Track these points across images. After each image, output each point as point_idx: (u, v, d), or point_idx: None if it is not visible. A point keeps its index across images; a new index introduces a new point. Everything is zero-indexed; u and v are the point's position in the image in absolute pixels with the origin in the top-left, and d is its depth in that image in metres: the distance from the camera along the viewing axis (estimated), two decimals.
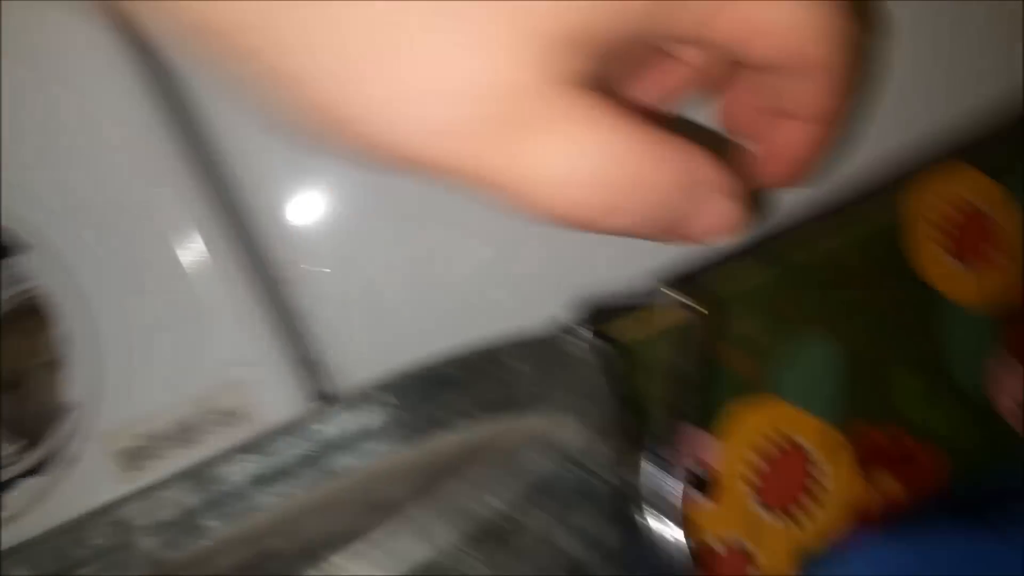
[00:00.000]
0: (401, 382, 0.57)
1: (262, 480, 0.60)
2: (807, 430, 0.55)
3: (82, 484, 0.61)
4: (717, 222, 0.31)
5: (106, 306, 0.60)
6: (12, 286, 0.67)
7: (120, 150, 0.58)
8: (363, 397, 0.58)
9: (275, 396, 0.62)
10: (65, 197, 0.59)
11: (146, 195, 0.59)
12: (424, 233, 0.61)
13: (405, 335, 0.63)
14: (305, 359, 0.63)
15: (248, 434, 0.62)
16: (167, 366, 0.61)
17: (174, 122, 0.59)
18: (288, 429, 0.60)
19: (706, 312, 0.47)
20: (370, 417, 0.58)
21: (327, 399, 0.64)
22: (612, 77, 0.35)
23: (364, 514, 0.50)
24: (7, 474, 0.65)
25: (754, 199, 0.54)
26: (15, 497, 0.62)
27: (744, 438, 0.54)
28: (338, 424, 0.59)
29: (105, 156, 0.58)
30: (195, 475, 0.59)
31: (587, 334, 0.49)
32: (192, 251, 0.59)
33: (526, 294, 0.60)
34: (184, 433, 0.62)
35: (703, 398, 0.54)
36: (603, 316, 0.52)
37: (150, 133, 0.58)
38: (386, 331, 0.62)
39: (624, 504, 0.41)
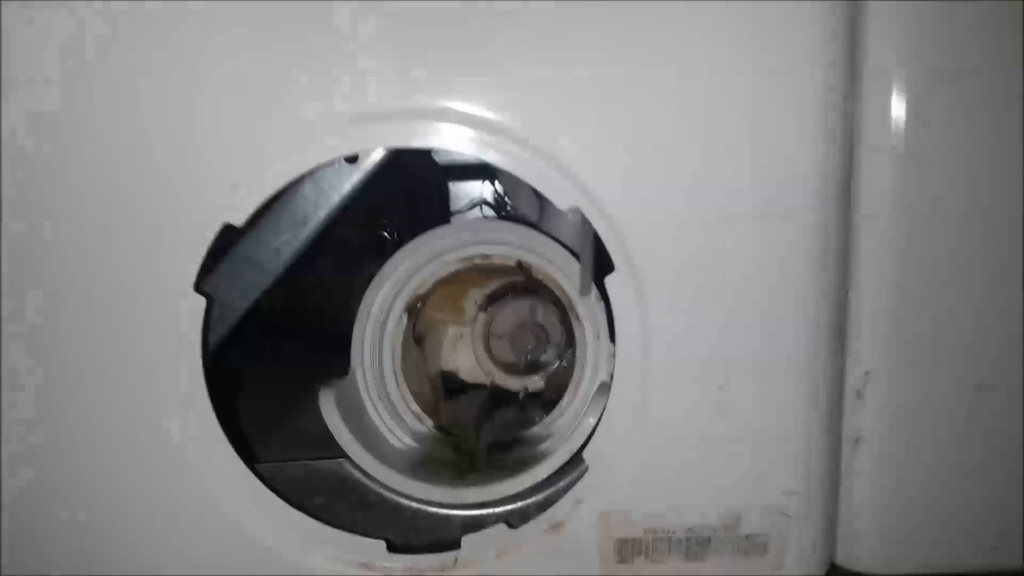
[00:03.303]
0: None
1: None
2: None
3: (556, 558, 0.58)
4: None
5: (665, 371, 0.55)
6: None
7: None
8: None
9: (801, 543, 0.58)
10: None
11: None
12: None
13: (946, 539, 0.60)
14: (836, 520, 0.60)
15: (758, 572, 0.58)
16: (708, 455, 0.56)
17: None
18: None
19: None
20: None
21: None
22: None
23: None
24: (466, 498, 0.62)
25: None
26: (477, 542, 0.58)
27: None
28: None
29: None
30: None
31: None
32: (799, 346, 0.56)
33: None
34: (690, 543, 0.57)
35: None
36: None
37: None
38: (930, 528, 0.60)
39: None
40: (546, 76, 0.51)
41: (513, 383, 0.87)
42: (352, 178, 0.62)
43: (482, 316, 0.87)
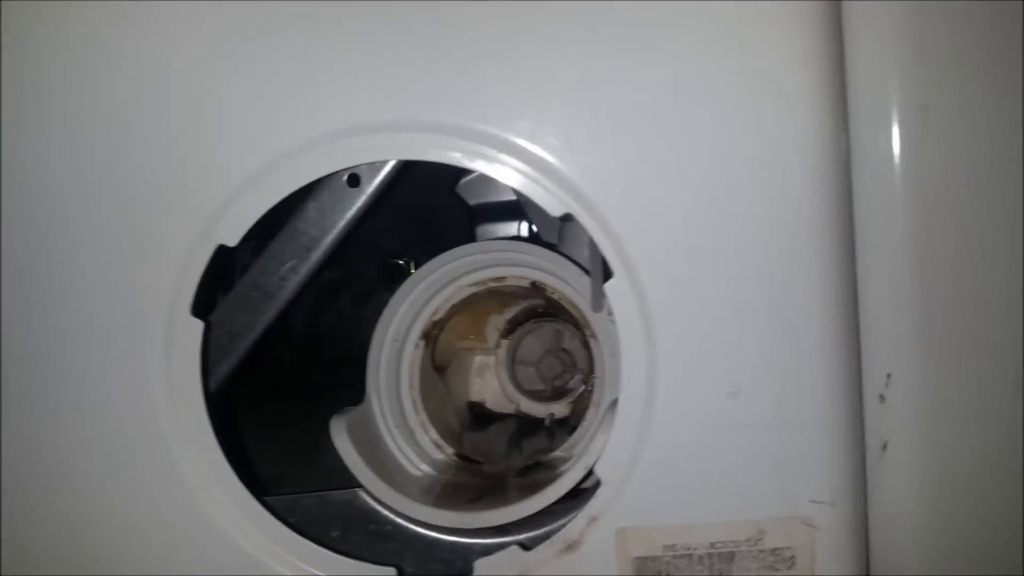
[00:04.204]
0: None
1: None
2: None
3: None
4: None
5: (672, 379, 0.53)
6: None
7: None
8: None
9: (831, 556, 0.54)
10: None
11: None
12: None
13: (989, 545, 0.56)
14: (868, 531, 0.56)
15: None
16: (724, 466, 0.54)
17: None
18: None
19: None
20: None
21: None
22: None
23: None
24: (480, 522, 0.59)
25: None
26: (490, 566, 0.56)
27: None
28: None
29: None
30: None
31: None
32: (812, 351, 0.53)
33: None
34: (712, 560, 0.55)
35: None
36: None
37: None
38: (970, 535, 0.56)
39: None
40: (527, 79, 0.51)
41: (539, 410, 0.85)
42: (356, 202, 0.63)
43: (505, 343, 0.85)
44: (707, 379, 0.52)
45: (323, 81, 0.51)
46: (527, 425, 0.85)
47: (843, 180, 0.53)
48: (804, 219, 0.52)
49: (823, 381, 0.53)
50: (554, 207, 0.51)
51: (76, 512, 0.56)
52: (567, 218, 0.52)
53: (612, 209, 0.51)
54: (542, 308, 0.84)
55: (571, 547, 0.54)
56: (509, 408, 0.86)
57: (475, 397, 0.88)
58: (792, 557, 0.53)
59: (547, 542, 0.55)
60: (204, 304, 0.56)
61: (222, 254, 0.53)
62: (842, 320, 0.53)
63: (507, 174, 0.51)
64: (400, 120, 0.51)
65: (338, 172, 0.60)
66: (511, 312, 0.84)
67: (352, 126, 0.51)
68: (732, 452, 0.53)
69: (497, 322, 0.84)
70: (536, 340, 0.87)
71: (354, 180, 0.61)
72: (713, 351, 0.52)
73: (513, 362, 0.86)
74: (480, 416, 0.87)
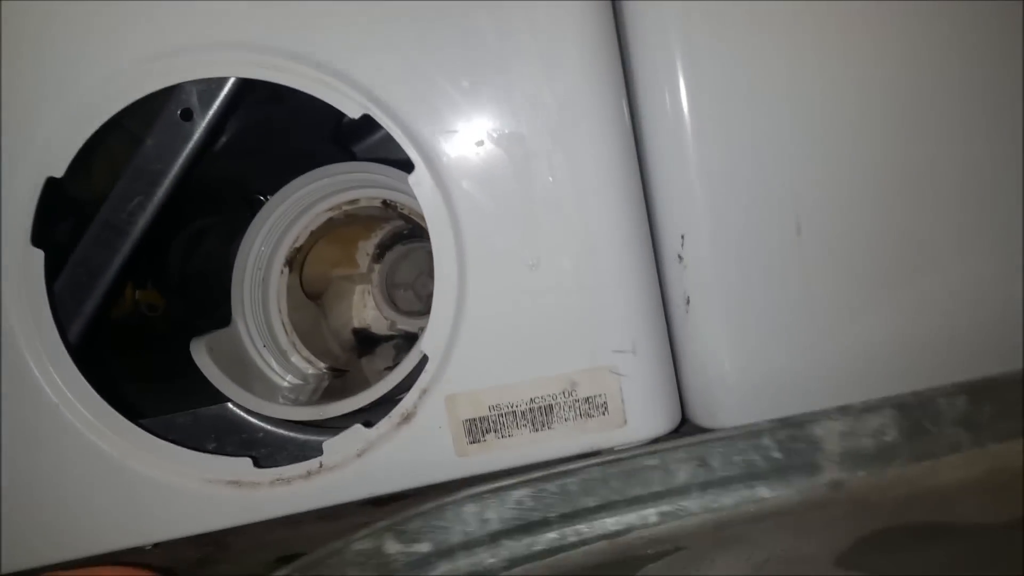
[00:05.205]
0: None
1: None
2: None
3: (412, 447, 0.60)
4: None
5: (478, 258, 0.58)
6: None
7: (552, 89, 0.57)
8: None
9: (641, 400, 0.60)
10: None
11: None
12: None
13: (793, 385, 0.62)
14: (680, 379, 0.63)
15: (602, 437, 0.60)
16: (534, 330, 0.59)
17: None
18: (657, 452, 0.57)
19: None
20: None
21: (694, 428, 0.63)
22: None
23: None
24: (332, 411, 0.64)
25: None
26: (337, 445, 0.61)
27: None
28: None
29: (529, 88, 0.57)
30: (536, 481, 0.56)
31: None
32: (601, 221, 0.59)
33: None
34: (534, 413, 0.60)
35: None
36: None
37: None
38: (775, 375, 0.62)
39: None
40: None
41: (414, 325, 0.90)
42: (192, 136, 0.67)
43: (377, 267, 0.90)
44: (509, 254, 0.58)
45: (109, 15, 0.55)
46: (407, 341, 0.91)
47: (617, 46, 0.59)
48: (584, 96, 0.57)
49: (617, 246, 0.59)
50: (351, 108, 0.56)
51: None
52: (366, 119, 0.57)
53: (404, 105, 0.57)
54: (407, 230, 0.89)
55: (407, 418, 0.60)
56: (390, 328, 0.92)
57: (359, 324, 0.93)
58: (604, 404, 0.60)
59: (386, 417, 0.61)
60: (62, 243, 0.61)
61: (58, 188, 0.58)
62: (631, 187, 0.59)
63: (303, 83, 0.56)
64: (191, 42, 0.56)
65: (171, 108, 0.65)
66: (377, 236, 0.89)
67: (155, 52, 0.56)
68: (540, 317, 0.59)
69: (366, 247, 0.89)
70: (409, 263, 0.92)
71: (186, 114, 0.66)
72: (511, 228, 0.58)
73: (388, 285, 0.91)
74: (366, 340, 0.93)
